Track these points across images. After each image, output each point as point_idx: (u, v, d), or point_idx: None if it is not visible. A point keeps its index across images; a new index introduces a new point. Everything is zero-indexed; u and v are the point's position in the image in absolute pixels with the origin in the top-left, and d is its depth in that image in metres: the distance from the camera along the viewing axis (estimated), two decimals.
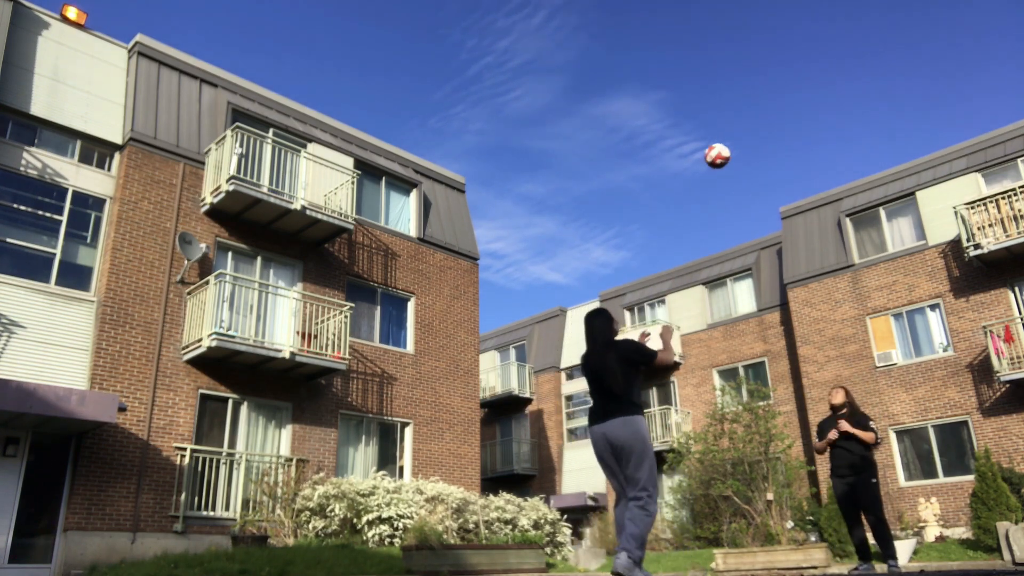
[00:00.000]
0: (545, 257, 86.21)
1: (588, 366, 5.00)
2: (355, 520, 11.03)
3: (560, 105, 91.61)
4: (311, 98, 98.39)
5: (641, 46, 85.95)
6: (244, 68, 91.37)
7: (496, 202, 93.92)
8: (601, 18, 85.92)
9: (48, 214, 11.70)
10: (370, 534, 10.77)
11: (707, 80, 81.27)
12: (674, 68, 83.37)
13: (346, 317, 13.32)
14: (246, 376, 12.72)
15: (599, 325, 5.05)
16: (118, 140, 12.62)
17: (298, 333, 12.95)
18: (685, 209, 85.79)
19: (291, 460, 12.82)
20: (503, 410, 28.00)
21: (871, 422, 7.13)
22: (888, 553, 6.92)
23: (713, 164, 6.03)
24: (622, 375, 4.76)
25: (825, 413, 18.53)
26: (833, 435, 7.07)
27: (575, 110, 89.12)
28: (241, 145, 12.77)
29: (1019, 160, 17.13)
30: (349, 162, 15.31)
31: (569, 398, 27.33)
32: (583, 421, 26.77)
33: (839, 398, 7.37)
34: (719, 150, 6.09)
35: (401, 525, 10.87)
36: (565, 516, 14.32)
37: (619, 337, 5.09)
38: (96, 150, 12.53)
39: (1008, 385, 15.89)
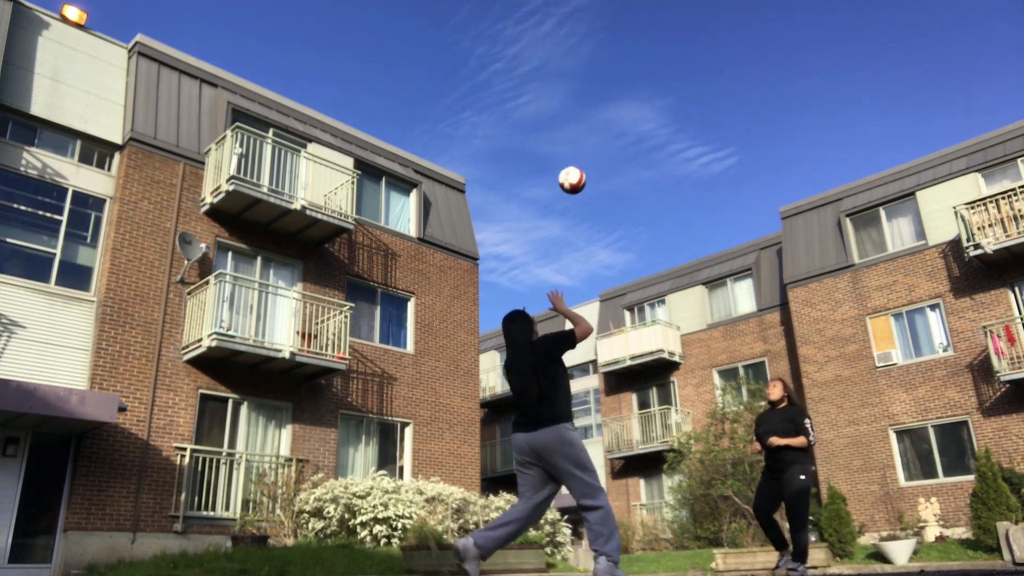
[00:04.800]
0: (550, 260, 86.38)
1: (509, 371, 4.69)
2: (351, 520, 11.02)
3: (567, 110, 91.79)
4: (315, 102, 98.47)
5: (648, 53, 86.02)
6: (244, 68, 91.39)
7: (503, 206, 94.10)
8: (609, 25, 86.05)
9: (48, 214, 11.70)
10: (363, 534, 10.76)
11: (711, 83, 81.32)
12: (680, 74, 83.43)
13: (346, 317, 13.32)
14: (246, 376, 12.71)
15: (516, 328, 4.72)
16: (118, 140, 12.62)
17: (298, 333, 12.95)
18: (689, 212, 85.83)
19: (291, 460, 12.82)
20: (503, 410, 27.98)
21: (807, 420, 6.73)
22: (798, 556, 6.52)
23: (575, 189, 5.15)
24: (543, 377, 4.46)
25: (825, 413, 18.58)
26: (771, 443, 6.67)
27: (582, 115, 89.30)
28: (241, 145, 12.76)
29: (1019, 160, 17.12)
30: (349, 162, 15.31)
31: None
32: (583, 421, 26.75)
33: (776, 393, 7.02)
34: (571, 177, 5.15)
35: (400, 525, 10.86)
36: (565, 516, 14.31)
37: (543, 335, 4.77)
38: (96, 150, 12.53)
39: (1008, 385, 15.88)
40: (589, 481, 4.40)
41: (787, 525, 6.76)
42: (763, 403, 17.83)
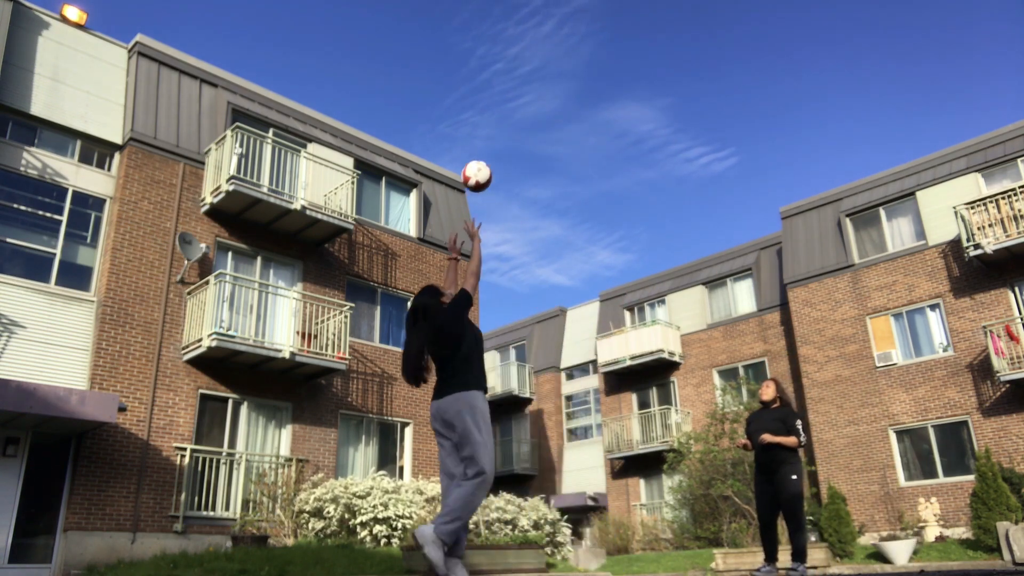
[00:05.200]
0: (551, 260, 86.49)
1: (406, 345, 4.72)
2: (351, 520, 11.02)
3: (568, 111, 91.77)
4: (317, 103, 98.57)
5: (648, 53, 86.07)
6: (244, 68, 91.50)
7: (504, 206, 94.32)
8: (609, 26, 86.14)
9: (48, 214, 11.70)
10: (363, 534, 10.76)
11: (711, 84, 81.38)
12: (680, 74, 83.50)
13: (346, 317, 13.32)
14: (246, 376, 12.71)
15: (422, 301, 4.74)
16: (118, 140, 12.62)
17: (298, 333, 12.95)
18: (689, 212, 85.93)
19: (291, 460, 12.82)
20: (503, 410, 27.99)
21: (798, 421, 6.71)
22: (797, 556, 6.52)
23: (479, 187, 4.93)
24: (446, 347, 4.50)
25: (825, 413, 18.58)
26: (763, 440, 6.61)
27: (583, 116, 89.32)
28: (241, 145, 12.76)
29: (1019, 160, 17.12)
30: (349, 162, 15.30)
31: (569, 398, 27.32)
32: (583, 421, 26.77)
33: (769, 393, 6.95)
34: (475, 173, 4.95)
35: (400, 525, 10.86)
36: (565, 516, 14.30)
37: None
38: (96, 150, 12.53)
39: (1008, 385, 15.88)
40: (478, 451, 4.28)
41: (785, 526, 6.77)
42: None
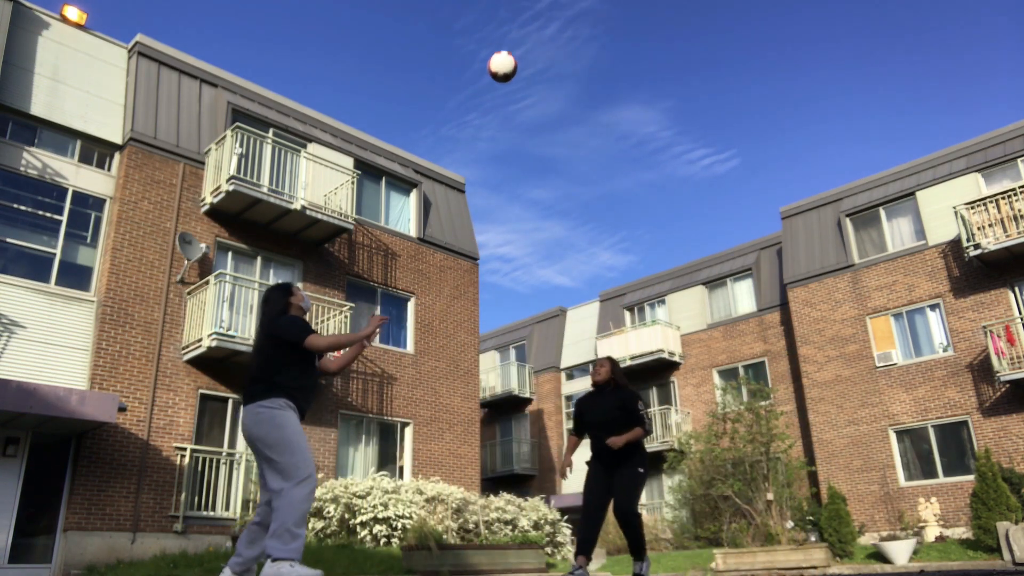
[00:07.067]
0: (553, 261, 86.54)
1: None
2: (351, 520, 11.02)
3: (571, 113, 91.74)
4: (320, 105, 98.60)
5: (651, 55, 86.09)
6: (244, 68, 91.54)
7: (506, 207, 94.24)
8: (613, 28, 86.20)
9: (48, 214, 11.70)
10: (363, 534, 10.76)
11: (713, 85, 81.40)
12: (682, 76, 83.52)
13: (346, 317, 13.31)
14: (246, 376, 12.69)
15: (268, 299, 4.57)
16: (118, 140, 12.62)
17: None
18: (691, 213, 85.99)
19: None
20: (503, 410, 27.99)
21: (640, 403, 5.94)
22: (640, 555, 5.99)
23: (501, 77, 5.45)
24: (264, 355, 4.32)
25: (825, 413, 18.58)
26: (613, 444, 5.87)
27: (585, 118, 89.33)
28: (241, 145, 12.76)
29: (1019, 160, 17.12)
30: (349, 162, 15.30)
31: (569, 398, 27.32)
32: None
33: (603, 374, 6.06)
34: (499, 63, 5.45)
35: (400, 525, 10.85)
36: (565, 516, 14.30)
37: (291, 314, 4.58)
38: (96, 150, 12.53)
39: (1008, 385, 15.88)
40: (281, 461, 4.03)
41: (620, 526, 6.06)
42: (764, 403, 17.84)
